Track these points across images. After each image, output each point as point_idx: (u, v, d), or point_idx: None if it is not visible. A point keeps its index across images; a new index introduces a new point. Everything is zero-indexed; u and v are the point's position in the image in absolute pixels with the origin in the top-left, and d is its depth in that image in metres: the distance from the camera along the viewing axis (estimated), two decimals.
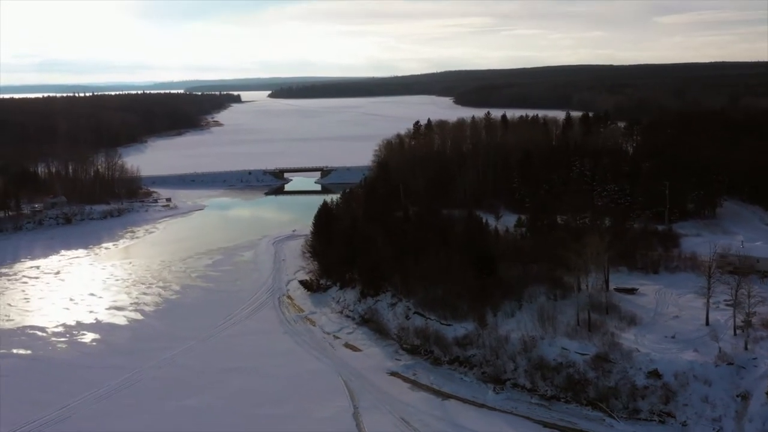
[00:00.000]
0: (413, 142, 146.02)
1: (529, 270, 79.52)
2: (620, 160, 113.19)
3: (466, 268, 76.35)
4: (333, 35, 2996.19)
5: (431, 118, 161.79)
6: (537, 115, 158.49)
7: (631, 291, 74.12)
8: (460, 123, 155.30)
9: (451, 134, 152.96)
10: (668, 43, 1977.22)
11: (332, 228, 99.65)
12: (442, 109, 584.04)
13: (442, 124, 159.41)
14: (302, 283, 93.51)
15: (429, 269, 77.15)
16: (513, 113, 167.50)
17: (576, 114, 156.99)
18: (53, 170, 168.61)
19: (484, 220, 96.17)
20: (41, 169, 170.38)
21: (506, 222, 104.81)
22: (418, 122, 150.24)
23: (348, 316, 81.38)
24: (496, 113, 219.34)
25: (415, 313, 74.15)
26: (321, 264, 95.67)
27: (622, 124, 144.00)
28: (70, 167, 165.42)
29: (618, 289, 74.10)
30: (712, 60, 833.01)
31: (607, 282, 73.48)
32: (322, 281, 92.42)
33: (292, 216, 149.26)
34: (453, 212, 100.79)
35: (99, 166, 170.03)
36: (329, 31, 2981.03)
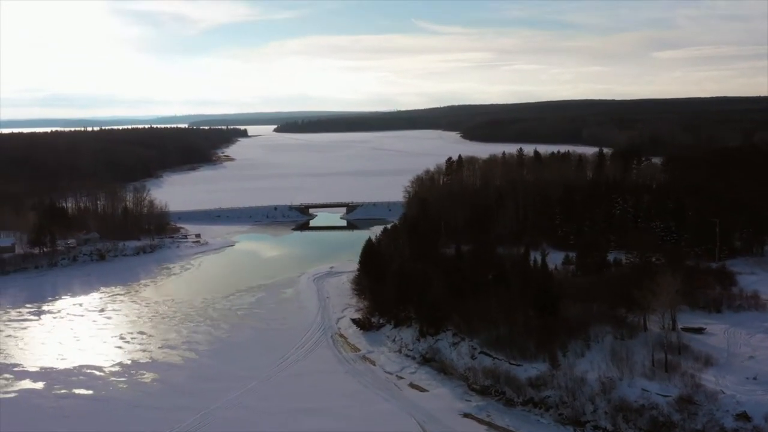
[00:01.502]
0: (446, 178, 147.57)
1: (588, 308, 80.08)
2: (662, 197, 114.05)
3: (526, 306, 76.94)
4: (333, 70, 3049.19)
5: (459, 155, 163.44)
6: (568, 151, 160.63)
7: (699, 330, 74.05)
8: (493, 159, 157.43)
9: (482, 170, 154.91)
10: (668, 78, 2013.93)
11: (380, 265, 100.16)
12: (451, 144, 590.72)
13: (472, 160, 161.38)
14: (354, 321, 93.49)
15: (489, 308, 77.53)
16: (531, 148, 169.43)
17: (602, 150, 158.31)
18: (82, 205, 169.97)
19: (532, 258, 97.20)
20: (69, 205, 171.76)
21: (551, 259, 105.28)
22: (450, 158, 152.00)
23: (407, 356, 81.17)
24: (509, 148, 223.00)
25: (481, 352, 74.12)
26: (371, 302, 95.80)
27: (657, 160, 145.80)
28: (100, 202, 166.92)
29: (685, 329, 74.08)
30: (713, 95, 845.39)
31: (673, 321, 73.53)
32: (374, 319, 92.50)
33: (324, 252, 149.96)
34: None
35: (127, 202, 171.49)
36: (329, 66, 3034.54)
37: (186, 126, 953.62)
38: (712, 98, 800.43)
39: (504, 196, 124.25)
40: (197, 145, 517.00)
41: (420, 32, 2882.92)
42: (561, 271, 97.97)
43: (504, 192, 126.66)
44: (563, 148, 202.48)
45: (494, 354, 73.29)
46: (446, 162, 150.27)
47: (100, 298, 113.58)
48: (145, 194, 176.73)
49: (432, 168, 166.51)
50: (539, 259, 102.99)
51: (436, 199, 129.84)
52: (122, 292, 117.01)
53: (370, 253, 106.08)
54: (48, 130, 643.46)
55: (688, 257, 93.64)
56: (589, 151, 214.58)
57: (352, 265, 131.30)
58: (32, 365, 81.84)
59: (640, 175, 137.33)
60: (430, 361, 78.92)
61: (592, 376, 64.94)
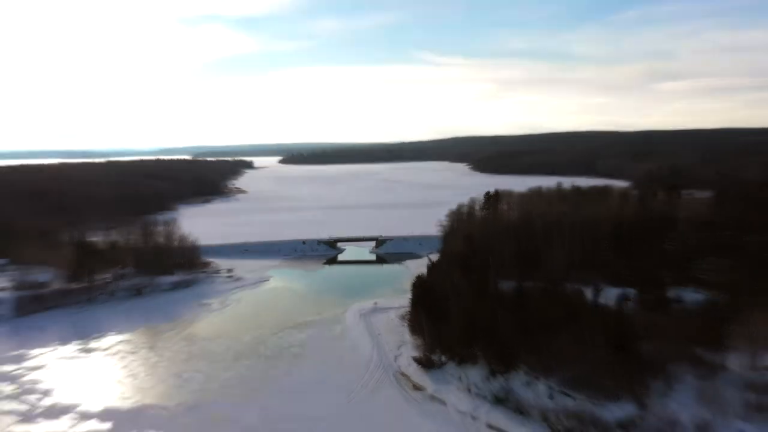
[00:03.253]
0: (485, 212, 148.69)
1: (662, 347, 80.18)
2: (716, 231, 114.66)
3: (601, 345, 77.11)
4: (335, 100, 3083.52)
5: (496, 189, 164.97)
6: (607, 185, 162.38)
7: None
8: (531, 192, 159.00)
9: (520, 204, 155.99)
10: (670, 109, 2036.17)
11: (437, 302, 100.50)
12: (462, 176, 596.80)
13: (507, 194, 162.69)
14: (415, 359, 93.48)
15: (563, 346, 77.74)
16: (548, 181, 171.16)
17: (643, 183, 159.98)
18: (113, 240, 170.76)
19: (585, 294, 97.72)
20: (99, 239, 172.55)
21: (606, 296, 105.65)
22: (488, 192, 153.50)
23: (478, 395, 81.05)
24: (523, 180, 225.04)
25: (560, 392, 74.13)
26: (431, 339, 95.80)
27: (704, 194, 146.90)
28: (133, 236, 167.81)
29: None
30: (718, 126, 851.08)
31: (755, 360, 73.55)
32: (434, 357, 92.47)
33: (362, 287, 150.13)
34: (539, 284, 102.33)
35: (159, 236, 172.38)
36: (331, 97, 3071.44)
37: (189, 158, 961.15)
38: (719, 129, 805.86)
39: (551, 231, 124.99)
40: (206, 177, 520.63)
41: (420, 63, 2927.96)
42: (622, 307, 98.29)
43: (550, 226, 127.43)
44: (580, 180, 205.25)
45: (574, 394, 73.46)
46: (485, 196, 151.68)
47: (146, 334, 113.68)
48: (175, 228, 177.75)
49: (465, 201, 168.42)
50: (594, 295, 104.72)
51: (479, 234, 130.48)
52: (167, 329, 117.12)
53: (423, 290, 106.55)
54: (53, 161, 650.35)
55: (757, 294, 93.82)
56: (605, 183, 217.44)
57: (395, 300, 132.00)
58: (94, 405, 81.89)
59: (684, 208, 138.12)
60: (503, 400, 78.89)
61: (684, 418, 65.00)
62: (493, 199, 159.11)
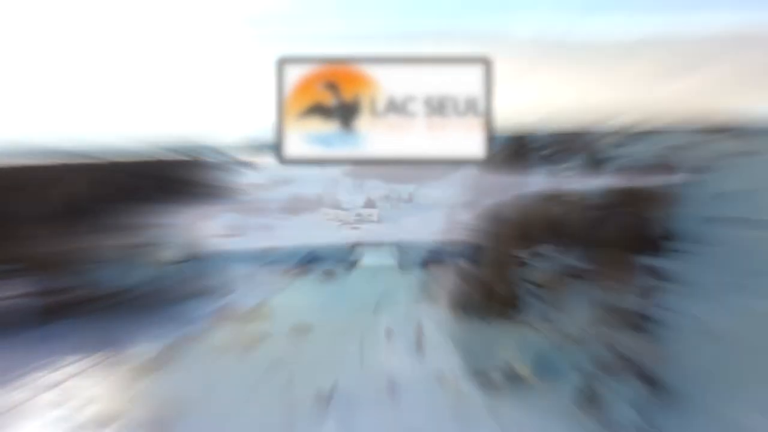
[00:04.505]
0: (516, 213, 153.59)
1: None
2: None
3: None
4: None
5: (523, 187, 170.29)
6: (629, 185, 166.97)
7: None
8: (555, 194, 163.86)
9: (544, 205, 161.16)
10: (683, 107, 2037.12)
11: (476, 307, 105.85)
12: (470, 176, 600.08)
13: (533, 195, 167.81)
14: (462, 366, 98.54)
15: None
16: (556, 180, 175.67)
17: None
18: (125, 245, 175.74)
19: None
20: (111, 244, 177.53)
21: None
22: (517, 192, 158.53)
23: None
24: (535, 179, 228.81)
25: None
26: (476, 344, 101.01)
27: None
28: (143, 242, 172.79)
29: None
30: (732, 120, 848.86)
31: None
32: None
33: (388, 293, 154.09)
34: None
35: (171, 241, 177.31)
36: None
37: (188, 158, 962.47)
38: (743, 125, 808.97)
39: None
40: (202, 177, 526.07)
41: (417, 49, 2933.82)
42: None
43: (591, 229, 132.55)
44: (595, 178, 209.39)
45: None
46: (515, 196, 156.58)
47: (177, 341, 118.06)
48: (182, 232, 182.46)
49: (484, 202, 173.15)
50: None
51: (513, 237, 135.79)
52: (197, 337, 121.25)
53: (462, 295, 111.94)
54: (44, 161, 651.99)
55: None
56: (621, 181, 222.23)
57: (426, 308, 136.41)
58: (141, 413, 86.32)
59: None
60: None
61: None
62: (523, 199, 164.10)
